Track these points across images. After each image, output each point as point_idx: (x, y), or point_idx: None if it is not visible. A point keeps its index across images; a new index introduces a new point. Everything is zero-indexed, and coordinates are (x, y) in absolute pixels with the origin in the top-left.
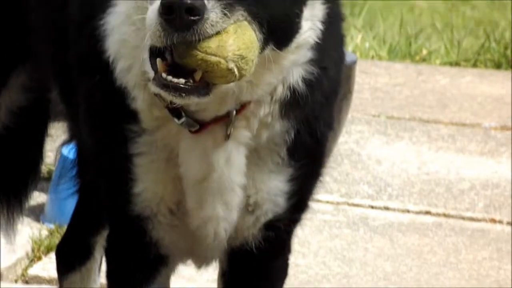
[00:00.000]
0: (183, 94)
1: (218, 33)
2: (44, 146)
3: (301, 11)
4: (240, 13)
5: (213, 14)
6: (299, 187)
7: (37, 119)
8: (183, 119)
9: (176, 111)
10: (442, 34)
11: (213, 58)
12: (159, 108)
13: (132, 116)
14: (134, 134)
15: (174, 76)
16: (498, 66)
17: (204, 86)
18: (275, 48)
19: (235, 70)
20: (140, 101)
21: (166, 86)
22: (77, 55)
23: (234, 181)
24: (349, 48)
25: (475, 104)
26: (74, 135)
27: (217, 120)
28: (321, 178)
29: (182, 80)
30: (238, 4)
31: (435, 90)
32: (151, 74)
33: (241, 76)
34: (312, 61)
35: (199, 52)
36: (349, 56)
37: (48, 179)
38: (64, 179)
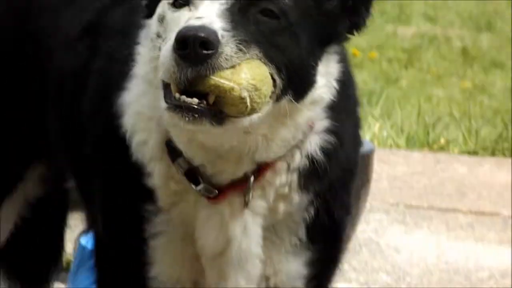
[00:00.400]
0: (196, 116)
1: (232, 66)
2: (64, 237)
3: (317, 64)
4: (255, 52)
5: (228, 48)
6: (318, 271)
7: (55, 209)
8: (201, 186)
9: (193, 177)
10: (460, 123)
11: (227, 84)
12: (176, 180)
13: (148, 194)
14: (150, 214)
15: (186, 95)
16: None
17: (218, 112)
18: (292, 99)
19: (248, 100)
20: (156, 175)
21: (179, 107)
22: (93, 138)
23: (253, 252)
24: (367, 137)
25: (494, 192)
26: (92, 225)
27: (234, 186)
28: (339, 265)
29: (195, 100)
30: (253, 43)
31: (453, 178)
32: (163, 105)
33: (253, 109)
34: (329, 131)
35: (213, 78)
36: (367, 145)
37: (66, 269)
38: (82, 269)
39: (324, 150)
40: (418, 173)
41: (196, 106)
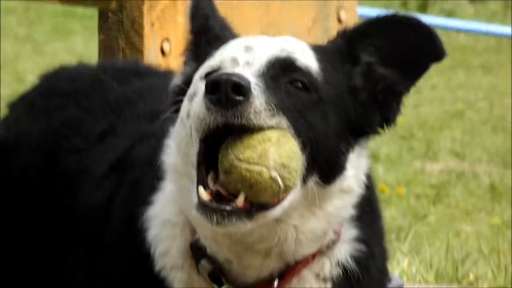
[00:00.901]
0: (226, 219)
1: (260, 142)
2: None
3: (347, 151)
4: (283, 119)
5: (258, 101)
6: None
7: None
8: (224, 287)
9: (217, 278)
10: (489, 259)
11: (256, 168)
12: (197, 286)
13: None
14: None
15: (217, 201)
16: None
17: (248, 210)
18: (318, 180)
19: (279, 179)
20: (177, 283)
21: (209, 210)
22: (122, 270)
23: None
24: (396, 272)
25: None
26: None
27: (259, 286)
28: None
29: (228, 207)
30: (282, 109)
31: None
32: (195, 199)
33: (286, 187)
34: (358, 239)
35: (242, 163)
36: (396, 280)
37: None
38: None
39: (355, 259)
40: None
41: (227, 209)
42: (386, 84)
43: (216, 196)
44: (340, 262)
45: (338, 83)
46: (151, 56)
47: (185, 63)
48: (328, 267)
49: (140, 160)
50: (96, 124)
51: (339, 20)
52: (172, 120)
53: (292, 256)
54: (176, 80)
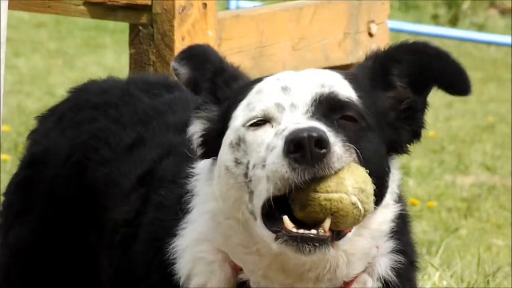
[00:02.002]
0: (316, 246)
1: (335, 173)
2: None
3: (390, 169)
4: (355, 153)
5: (337, 147)
6: None
7: None
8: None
9: None
10: None
11: (335, 196)
12: None
13: None
14: None
15: (303, 228)
16: None
17: (332, 237)
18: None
19: (359, 204)
20: None
21: (296, 239)
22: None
23: None
24: (427, 286)
25: None
26: None
27: None
28: None
29: (314, 231)
30: (350, 143)
31: None
32: (268, 235)
33: (366, 211)
34: (396, 251)
35: (320, 194)
36: None
37: None
38: None
39: (395, 270)
40: None
41: (314, 236)
42: (409, 103)
43: (299, 223)
44: (380, 275)
45: (374, 108)
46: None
47: (202, 107)
48: (370, 282)
49: (167, 177)
50: (124, 135)
51: (370, 34)
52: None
53: (342, 278)
54: (196, 127)
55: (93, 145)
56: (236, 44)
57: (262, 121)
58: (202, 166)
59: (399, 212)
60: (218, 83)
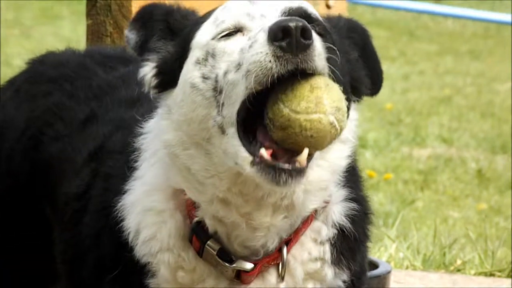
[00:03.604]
0: (292, 178)
1: (311, 90)
2: None
3: (350, 101)
4: (328, 65)
5: (317, 43)
6: None
7: None
8: (236, 262)
9: (225, 258)
10: (476, 245)
11: (315, 116)
12: (186, 270)
13: None
14: None
15: (279, 160)
16: None
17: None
18: None
19: (336, 123)
20: (163, 268)
21: (272, 169)
22: (95, 260)
23: None
24: (383, 258)
25: None
26: None
27: (267, 258)
28: None
29: (290, 165)
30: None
31: None
32: (243, 154)
33: (341, 130)
34: (350, 199)
35: (300, 115)
36: (383, 266)
37: None
38: None
39: (350, 218)
40: None
41: (292, 168)
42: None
43: (274, 155)
44: (335, 222)
45: (337, 41)
46: None
47: (153, 49)
48: (324, 230)
49: (115, 149)
50: (79, 111)
51: (327, 5)
52: (151, 106)
53: (299, 212)
54: (149, 67)
55: (48, 120)
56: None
57: (233, 32)
58: (149, 125)
59: (351, 166)
60: (171, 21)
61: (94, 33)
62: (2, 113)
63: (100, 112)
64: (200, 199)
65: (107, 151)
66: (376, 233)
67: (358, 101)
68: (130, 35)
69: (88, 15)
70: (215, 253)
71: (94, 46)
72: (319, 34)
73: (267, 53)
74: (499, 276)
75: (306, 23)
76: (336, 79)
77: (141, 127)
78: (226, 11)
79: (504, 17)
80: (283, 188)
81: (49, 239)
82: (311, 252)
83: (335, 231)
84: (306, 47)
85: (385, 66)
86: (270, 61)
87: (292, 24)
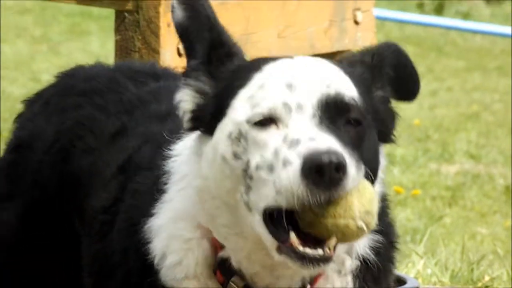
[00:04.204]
0: (320, 265)
1: (342, 195)
2: None
3: (381, 162)
4: (364, 169)
5: (352, 169)
6: None
7: None
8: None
9: None
10: (504, 261)
11: (342, 221)
12: None
13: None
14: None
15: (308, 246)
16: None
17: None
18: None
19: (364, 226)
20: None
21: (301, 258)
22: (122, 276)
23: None
24: (411, 274)
25: None
26: None
27: None
28: None
29: (320, 252)
30: (361, 159)
31: None
32: (270, 241)
33: (369, 229)
34: (375, 231)
35: (328, 219)
36: (411, 282)
37: None
38: None
39: (374, 250)
40: None
41: (319, 257)
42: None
43: (304, 238)
44: (359, 254)
45: (371, 105)
46: (167, 57)
47: (194, 74)
48: (348, 261)
49: (143, 164)
50: (109, 124)
51: (356, 22)
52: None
53: None
54: (184, 95)
55: (78, 132)
56: None
57: (267, 120)
58: (180, 147)
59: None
60: (212, 58)
61: (122, 48)
62: (31, 125)
63: (130, 126)
64: (224, 244)
65: (135, 165)
66: (404, 249)
67: (387, 143)
68: (178, 11)
69: (117, 30)
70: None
71: (124, 61)
72: (355, 120)
73: (299, 184)
74: None
75: (341, 156)
76: (366, 162)
77: (170, 148)
78: (263, 91)
79: None
80: (309, 271)
81: (77, 252)
82: (334, 284)
83: (358, 263)
84: (339, 180)
85: None
86: (302, 193)
87: (326, 161)
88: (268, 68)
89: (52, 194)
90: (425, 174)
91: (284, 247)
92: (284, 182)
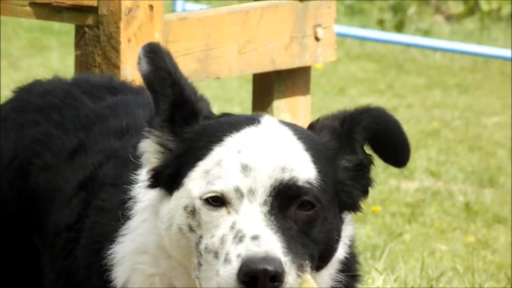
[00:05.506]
0: None
1: None
2: None
3: (340, 236)
4: (308, 272)
5: (290, 277)
6: None
7: None
8: None
9: None
10: (464, 278)
11: None
12: None
13: None
14: None
15: None
16: None
17: None
18: (315, 272)
19: None
20: None
21: None
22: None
23: None
24: None
25: None
26: None
27: None
28: None
29: None
30: (305, 260)
31: None
32: None
33: None
34: (339, 270)
35: None
36: None
37: None
38: None
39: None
40: None
41: None
42: (358, 160)
43: None
44: None
45: (333, 179)
46: (128, 72)
47: (155, 127)
48: None
49: (107, 181)
50: (67, 140)
51: (316, 38)
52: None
53: None
54: (147, 146)
55: (36, 149)
56: (183, 46)
57: (219, 200)
58: (144, 173)
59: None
60: (175, 116)
61: (82, 63)
62: None
63: (89, 142)
64: None
65: (99, 183)
66: (364, 266)
67: (354, 212)
68: (143, 63)
69: (77, 45)
70: None
71: (82, 75)
72: (308, 203)
73: (235, 287)
74: None
75: (278, 265)
76: (317, 245)
77: (136, 168)
78: (219, 169)
79: (492, 50)
80: None
81: (36, 267)
82: None
83: None
84: None
85: (373, 99)
86: None
87: (261, 269)
88: (228, 142)
89: (12, 210)
90: (385, 190)
91: None
92: (223, 280)
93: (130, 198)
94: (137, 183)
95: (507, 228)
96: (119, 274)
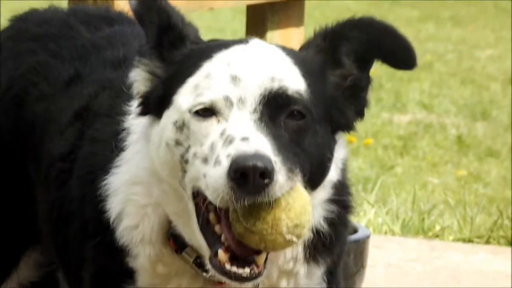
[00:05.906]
0: (245, 282)
1: (270, 211)
2: None
3: (332, 155)
4: (299, 176)
5: (280, 176)
6: None
7: None
8: (211, 272)
9: (200, 265)
10: (455, 211)
11: (270, 237)
12: (165, 263)
13: (129, 276)
14: None
15: (236, 265)
16: (511, 243)
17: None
18: (309, 189)
19: (293, 238)
20: (142, 258)
21: (229, 276)
22: (80, 224)
23: None
24: (362, 223)
25: (489, 280)
26: None
27: None
28: None
29: (247, 270)
30: (296, 166)
31: (448, 266)
32: (206, 250)
33: (300, 239)
34: (331, 200)
35: (255, 234)
36: (362, 231)
37: None
38: None
39: (329, 220)
40: (413, 260)
41: (248, 276)
42: (354, 79)
43: (233, 257)
44: (313, 226)
45: (323, 94)
46: (121, 2)
47: (145, 56)
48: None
49: (102, 111)
50: (63, 70)
51: None
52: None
53: None
54: (137, 75)
55: (32, 79)
56: None
57: (208, 111)
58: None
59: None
60: (163, 41)
61: None
62: None
63: (85, 72)
64: (176, 226)
65: (94, 113)
66: (356, 198)
67: (348, 132)
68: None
69: None
70: (191, 260)
71: (78, 5)
72: (298, 112)
73: (225, 185)
74: (477, 243)
75: (268, 161)
76: (309, 157)
77: (130, 99)
78: (207, 82)
79: None
80: (238, 285)
81: (31, 198)
82: (286, 254)
83: (311, 234)
84: (264, 186)
85: None
86: (227, 194)
87: (250, 165)
88: (217, 57)
89: (7, 140)
90: (378, 123)
91: (214, 260)
92: (212, 180)
93: (124, 129)
94: (131, 114)
95: (499, 161)
96: (113, 205)
